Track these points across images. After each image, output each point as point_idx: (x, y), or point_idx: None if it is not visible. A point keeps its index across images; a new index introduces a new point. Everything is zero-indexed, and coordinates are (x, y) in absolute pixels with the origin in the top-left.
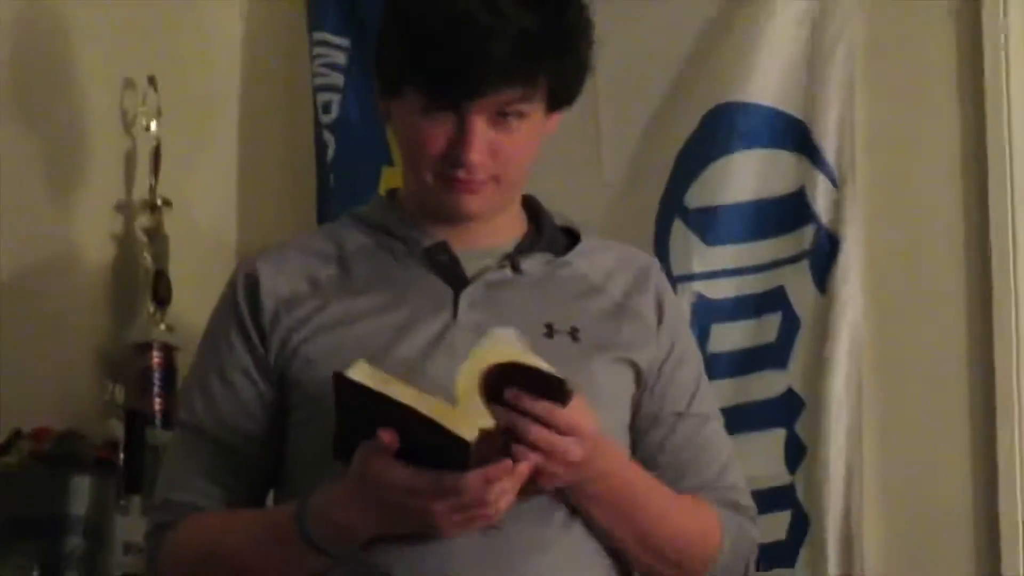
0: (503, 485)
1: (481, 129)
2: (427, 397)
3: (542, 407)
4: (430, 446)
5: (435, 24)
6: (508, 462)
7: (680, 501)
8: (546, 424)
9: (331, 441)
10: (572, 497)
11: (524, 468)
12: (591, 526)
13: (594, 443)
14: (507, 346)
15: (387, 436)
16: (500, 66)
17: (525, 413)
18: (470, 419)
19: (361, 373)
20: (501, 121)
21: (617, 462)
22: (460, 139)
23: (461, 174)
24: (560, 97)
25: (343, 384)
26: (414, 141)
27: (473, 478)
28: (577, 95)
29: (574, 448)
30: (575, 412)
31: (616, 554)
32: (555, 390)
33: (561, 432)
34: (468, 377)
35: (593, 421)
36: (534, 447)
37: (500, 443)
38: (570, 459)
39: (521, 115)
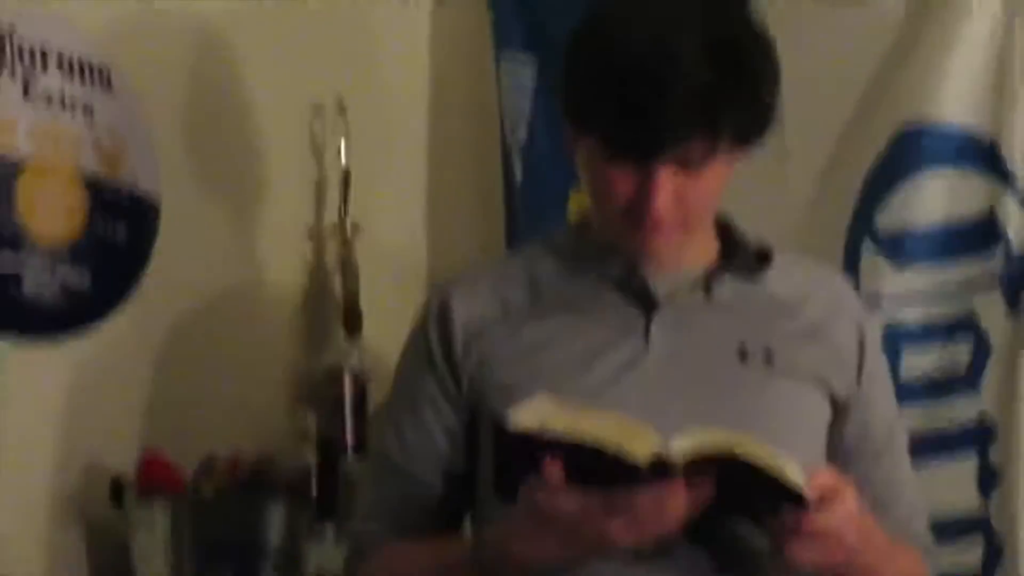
0: (675, 502)
1: (666, 180)
2: (609, 416)
3: (819, 521)
4: (601, 469)
5: (613, 78)
6: (680, 481)
7: (907, 553)
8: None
9: (492, 479)
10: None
11: (703, 491)
12: None
13: (861, 519)
14: (756, 445)
15: (553, 470)
16: (681, 123)
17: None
18: (651, 440)
19: (534, 410)
20: (687, 166)
21: (874, 524)
22: (645, 190)
23: (647, 223)
24: (747, 139)
25: (505, 433)
26: (599, 186)
27: (645, 496)
28: (765, 137)
29: (851, 537)
30: (848, 501)
31: None
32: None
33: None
34: (698, 437)
35: (853, 498)
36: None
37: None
38: (848, 545)
39: (707, 161)
